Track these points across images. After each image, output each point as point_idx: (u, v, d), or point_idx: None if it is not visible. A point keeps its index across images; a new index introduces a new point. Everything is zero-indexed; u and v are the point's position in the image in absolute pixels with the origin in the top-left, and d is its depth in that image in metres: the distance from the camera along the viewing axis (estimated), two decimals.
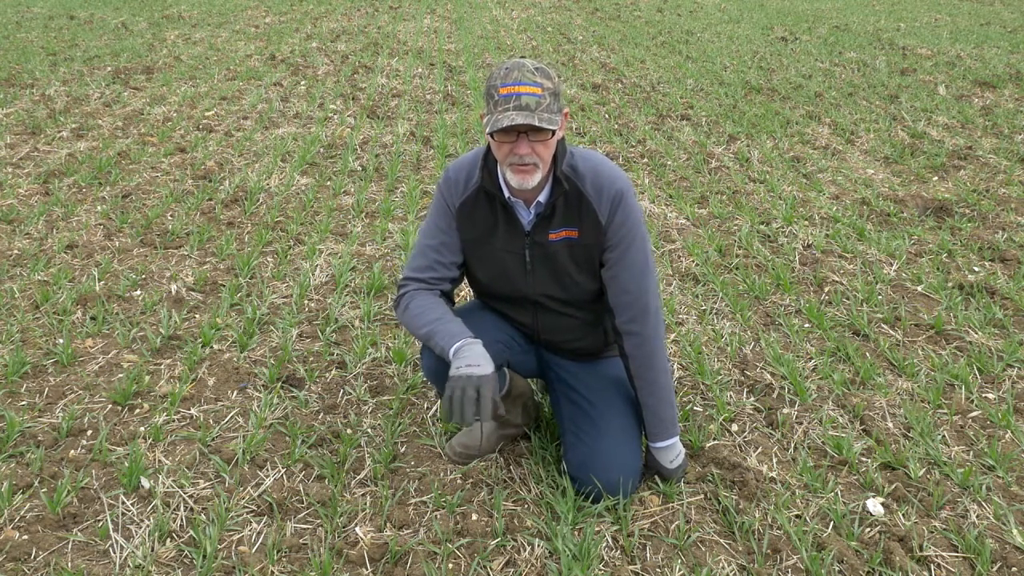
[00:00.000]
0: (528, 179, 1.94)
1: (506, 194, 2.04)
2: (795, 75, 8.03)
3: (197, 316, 3.22)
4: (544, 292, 2.15)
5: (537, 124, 1.82)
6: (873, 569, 1.99)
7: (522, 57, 1.88)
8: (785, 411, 2.63)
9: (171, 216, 4.24)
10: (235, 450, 2.40)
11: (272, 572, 1.97)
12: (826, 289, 3.50)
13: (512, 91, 1.83)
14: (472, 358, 1.93)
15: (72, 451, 2.39)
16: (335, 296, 3.40)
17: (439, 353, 2.03)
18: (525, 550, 2.05)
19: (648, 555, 2.04)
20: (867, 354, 2.98)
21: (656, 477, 2.26)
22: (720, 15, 12.69)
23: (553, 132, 1.88)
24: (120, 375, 2.80)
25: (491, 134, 1.88)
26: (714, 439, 2.49)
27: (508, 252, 2.10)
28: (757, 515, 2.16)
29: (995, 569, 1.99)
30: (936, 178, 4.97)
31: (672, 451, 2.22)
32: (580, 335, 2.26)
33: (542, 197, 2.04)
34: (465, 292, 3.33)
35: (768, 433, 2.54)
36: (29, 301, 3.29)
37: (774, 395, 2.73)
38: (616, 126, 6.24)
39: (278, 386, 2.74)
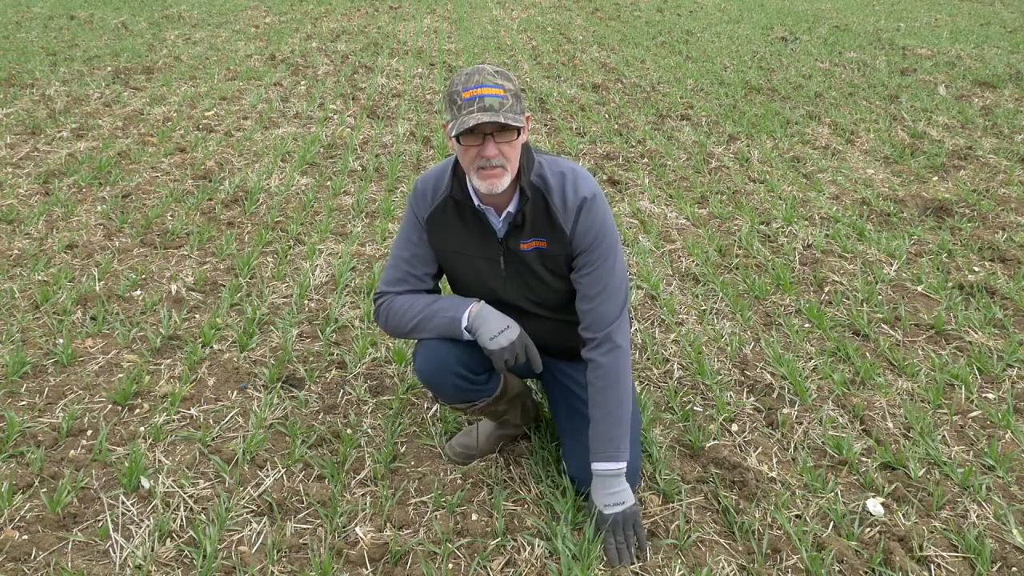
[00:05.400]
0: (496, 183, 1.90)
1: (475, 201, 2.03)
2: (795, 75, 8.03)
3: (197, 316, 3.22)
4: (522, 297, 2.15)
5: (503, 121, 1.81)
6: (873, 569, 1.99)
7: (483, 64, 1.89)
8: (785, 411, 2.63)
9: (171, 216, 4.24)
10: (235, 450, 2.40)
11: (272, 572, 1.97)
12: (826, 289, 3.50)
13: (475, 94, 1.82)
14: (496, 322, 2.03)
15: (72, 451, 2.39)
16: (335, 296, 3.40)
17: (443, 328, 2.04)
18: (525, 550, 2.05)
19: (648, 555, 2.04)
20: (867, 354, 2.98)
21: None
22: (720, 15, 12.69)
23: (519, 131, 1.88)
24: (120, 375, 2.80)
25: (457, 138, 1.86)
26: (714, 439, 2.49)
27: (483, 259, 2.10)
28: (757, 515, 2.16)
29: (995, 569, 1.99)
30: (936, 178, 4.97)
31: (611, 484, 2.04)
32: (565, 338, 2.22)
33: (511, 207, 2.02)
34: None
35: (768, 433, 2.54)
36: (29, 301, 3.29)
37: (774, 395, 2.73)
38: (616, 126, 6.24)
39: (278, 386, 2.74)
